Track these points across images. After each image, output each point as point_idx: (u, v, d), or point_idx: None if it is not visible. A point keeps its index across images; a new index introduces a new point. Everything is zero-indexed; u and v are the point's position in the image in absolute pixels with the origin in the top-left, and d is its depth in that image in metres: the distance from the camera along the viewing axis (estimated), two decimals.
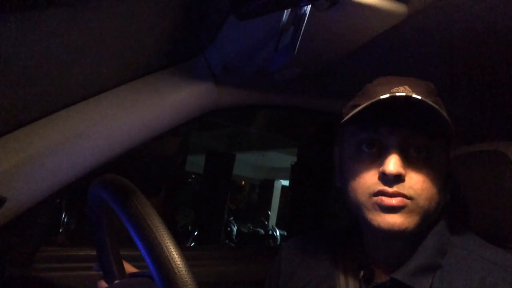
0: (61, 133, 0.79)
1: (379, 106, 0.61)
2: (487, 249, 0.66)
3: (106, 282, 0.72)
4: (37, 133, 0.78)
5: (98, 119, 0.83)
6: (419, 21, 0.64)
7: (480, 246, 0.66)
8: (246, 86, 0.98)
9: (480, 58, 0.78)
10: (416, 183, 0.62)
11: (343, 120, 0.66)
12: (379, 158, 0.64)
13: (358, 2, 0.54)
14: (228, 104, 0.98)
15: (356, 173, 0.66)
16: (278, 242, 5.85)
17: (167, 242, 0.47)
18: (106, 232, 0.68)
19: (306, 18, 0.58)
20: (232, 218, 6.06)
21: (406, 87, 0.63)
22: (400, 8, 0.57)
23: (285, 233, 5.67)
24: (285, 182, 8.40)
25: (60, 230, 1.58)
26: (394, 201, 0.61)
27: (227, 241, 5.36)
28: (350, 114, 0.64)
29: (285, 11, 0.65)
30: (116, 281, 0.70)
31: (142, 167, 1.48)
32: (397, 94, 0.60)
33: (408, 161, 0.63)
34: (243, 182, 8.96)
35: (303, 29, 0.59)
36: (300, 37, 0.60)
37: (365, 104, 0.62)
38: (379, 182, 0.63)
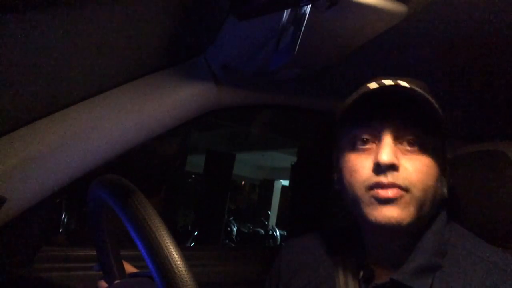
0: (61, 133, 0.79)
1: (369, 100, 0.62)
2: (487, 249, 0.66)
3: (106, 282, 0.72)
4: (37, 133, 0.78)
5: (98, 119, 0.83)
6: (419, 21, 0.64)
7: (480, 246, 0.66)
8: (246, 86, 0.98)
9: (480, 58, 0.79)
10: (410, 174, 0.63)
11: (336, 119, 0.67)
12: (373, 152, 0.65)
13: (358, 2, 0.54)
14: (228, 104, 0.98)
15: (352, 168, 0.67)
16: (278, 242, 5.84)
17: (167, 242, 0.47)
18: (106, 232, 0.68)
19: (306, 18, 0.58)
20: (232, 218, 6.06)
21: (395, 79, 0.64)
22: (400, 8, 0.57)
23: (285, 233, 5.67)
24: (285, 182, 8.41)
25: (60, 230, 1.58)
26: (390, 193, 0.62)
27: (227, 241, 5.36)
28: (342, 109, 0.65)
29: (285, 11, 0.65)
30: (116, 281, 0.70)
31: (142, 167, 1.48)
32: (386, 83, 0.62)
33: (402, 152, 0.64)
34: (243, 182, 8.97)
35: (303, 29, 0.59)
36: (300, 37, 0.61)
37: (354, 97, 0.63)
38: (374, 174, 0.63)
